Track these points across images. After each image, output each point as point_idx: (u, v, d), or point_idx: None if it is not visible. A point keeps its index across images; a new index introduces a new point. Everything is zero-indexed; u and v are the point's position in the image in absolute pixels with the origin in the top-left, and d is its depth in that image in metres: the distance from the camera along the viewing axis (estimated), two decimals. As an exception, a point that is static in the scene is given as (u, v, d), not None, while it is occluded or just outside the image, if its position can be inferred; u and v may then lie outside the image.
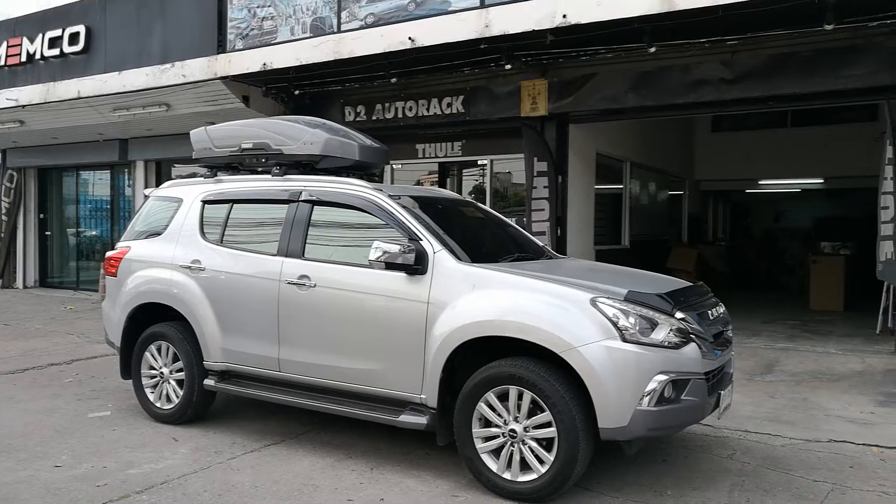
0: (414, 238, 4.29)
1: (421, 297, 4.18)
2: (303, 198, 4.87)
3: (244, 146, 5.40)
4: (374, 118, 9.65)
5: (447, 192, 5.73)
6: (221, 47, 9.63)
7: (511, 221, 5.88)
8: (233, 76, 9.43)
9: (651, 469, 4.32)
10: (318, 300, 4.58)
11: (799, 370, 6.66)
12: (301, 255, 4.74)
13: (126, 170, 13.87)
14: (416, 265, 4.18)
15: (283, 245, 4.83)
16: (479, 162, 10.07)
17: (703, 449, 4.70)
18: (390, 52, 8.02)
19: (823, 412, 5.49)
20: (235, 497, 3.93)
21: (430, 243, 4.26)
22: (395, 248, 4.14)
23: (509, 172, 10.02)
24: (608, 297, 3.74)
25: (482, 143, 9.71)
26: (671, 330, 3.72)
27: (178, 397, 5.27)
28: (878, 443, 4.82)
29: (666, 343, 3.69)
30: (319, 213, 4.82)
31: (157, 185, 13.10)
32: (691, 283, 4.34)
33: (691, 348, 3.77)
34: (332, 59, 8.43)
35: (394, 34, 7.90)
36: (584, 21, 6.76)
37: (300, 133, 5.22)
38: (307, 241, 4.77)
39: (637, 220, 11.89)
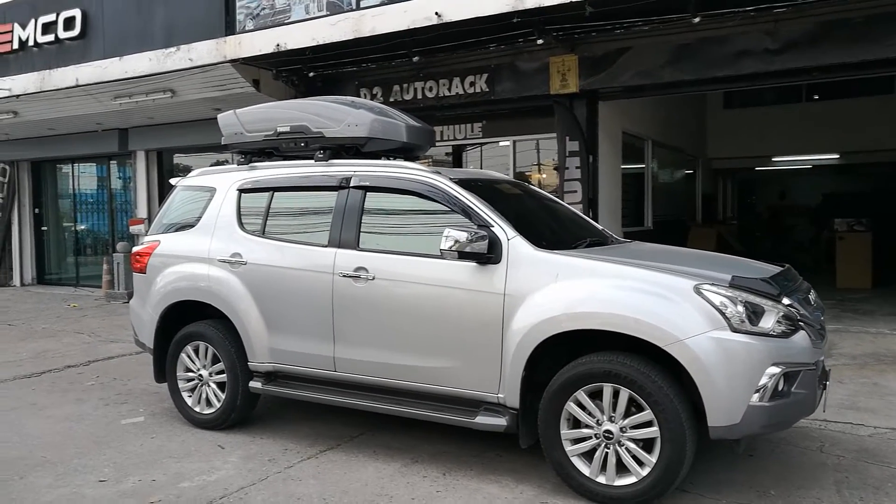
0: (484, 225, 3.95)
1: (496, 289, 3.84)
2: (353, 184, 4.51)
3: (280, 129, 5.01)
4: (391, 100, 9.23)
5: (497, 174, 5.37)
6: (230, 28, 9.16)
7: (566, 204, 5.55)
8: (243, 59, 8.98)
9: (741, 466, 4.04)
10: (377, 294, 4.23)
11: (858, 352, 6.41)
12: (356, 245, 4.38)
13: (126, 161, 13.40)
14: (489, 254, 3.84)
15: (334, 235, 4.47)
16: (501, 143, 9.71)
17: (787, 442, 4.42)
18: (415, 28, 7.61)
19: (902, 397, 5.23)
20: (305, 511, 3.61)
21: (502, 230, 3.92)
22: (466, 235, 3.79)
23: (536, 153, 9.67)
24: (713, 284, 3.43)
25: (505, 124, 9.35)
26: (780, 317, 3.41)
27: (219, 401, 4.93)
28: (971, 429, 4.57)
29: (775, 332, 3.38)
30: (373, 200, 4.46)
31: (160, 175, 12.82)
32: (783, 267, 4.04)
33: (801, 336, 3.47)
34: (351, 37, 8.01)
35: (419, 9, 7.50)
36: (623, -9, 6.40)
37: (343, 114, 4.84)
38: (361, 230, 4.41)
39: (657, 201, 11.60)
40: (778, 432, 3.94)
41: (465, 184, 4.27)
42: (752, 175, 19.20)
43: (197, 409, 5.03)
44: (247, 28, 8.88)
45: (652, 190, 11.25)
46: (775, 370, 3.30)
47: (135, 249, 5.51)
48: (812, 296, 3.96)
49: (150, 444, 4.72)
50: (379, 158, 4.88)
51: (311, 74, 9.22)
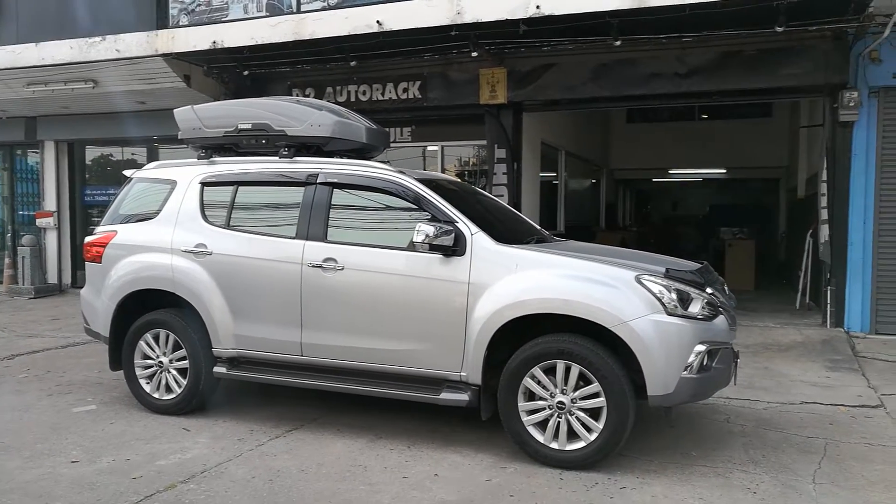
0: (449, 221, 4.38)
1: (459, 278, 4.28)
2: (320, 180, 4.82)
3: (242, 127, 5.24)
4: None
5: (447, 176, 5.82)
6: (162, 22, 9.10)
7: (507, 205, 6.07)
8: (176, 53, 8.96)
9: (665, 435, 4.67)
10: (346, 283, 4.57)
11: (751, 342, 7.31)
12: (324, 237, 4.70)
13: (27, 150, 12.81)
14: (455, 247, 4.28)
15: (302, 228, 4.76)
16: (430, 148, 10.17)
17: (700, 415, 5.12)
18: (355, 34, 7.93)
19: (787, 378, 6.09)
20: (289, 481, 3.89)
21: (465, 225, 4.36)
22: (433, 230, 4.21)
23: (461, 159, 10.19)
24: (651, 275, 4.02)
25: (434, 130, 9.81)
26: (704, 303, 4.05)
27: (180, 387, 5.08)
28: (843, 402, 5.44)
29: (701, 315, 4.01)
30: (340, 196, 4.79)
31: (70, 166, 12.38)
32: (701, 264, 4.71)
33: (720, 320, 4.13)
34: (290, 39, 8.21)
35: (360, 17, 7.83)
36: (557, 12, 7.03)
37: (306, 115, 5.14)
38: (329, 223, 4.73)
39: (568, 207, 12.42)
40: (698, 402, 4.57)
41: (427, 183, 4.69)
42: (648, 186, 20.69)
43: (156, 395, 5.15)
44: (181, 23, 8.87)
45: (564, 197, 12.04)
46: (702, 348, 3.92)
47: (88, 239, 5.54)
48: (725, 288, 4.65)
49: (112, 429, 4.81)
50: (336, 157, 5.20)
51: (246, 73, 9.30)
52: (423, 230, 4.21)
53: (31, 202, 13.15)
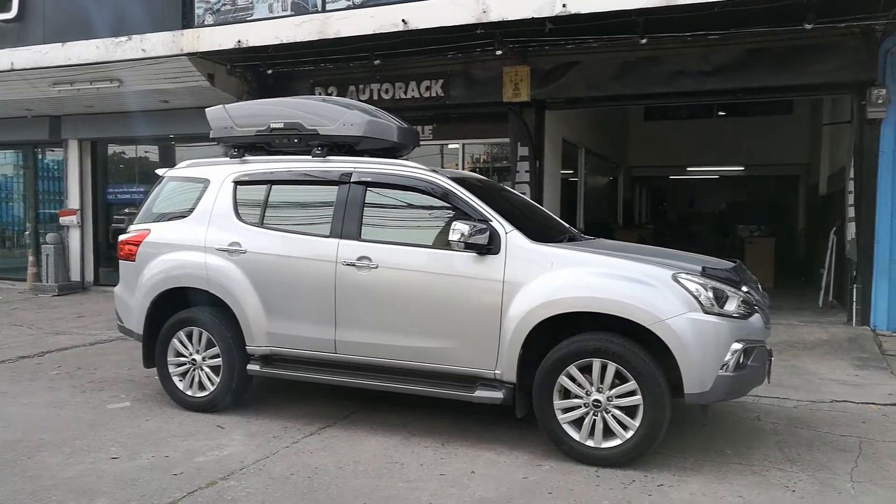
0: (483, 220, 4.40)
1: (494, 277, 4.30)
2: (354, 179, 4.85)
3: (274, 126, 5.28)
4: (346, 100, 9.51)
5: (479, 175, 5.83)
6: (187, 21, 9.19)
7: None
8: (202, 53, 9.03)
9: (698, 433, 4.67)
10: (380, 281, 4.60)
11: (776, 340, 7.24)
12: (358, 236, 4.73)
13: (47, 149, 12.94)
14: (489, 245, 4.30)
15: (336, 227, 4.80)
16: (450, 146, 10.19)
17: (731, 413, 5.11)
18: (380, 33, 7.96)
19: (816, 377, 6.08)
20: (327, 478, 3.93)
21: (500, 224, 4.38)
22: (468, 228, 4.24)
23: (479, 157, 10.21)
24: (687, 273, 4.03)
25: (455, 128, 9.83)
26: (740, 301, 4.05)
27: (213, 384, 5.13)
28: (874, 401, 5.42)
29: (737, 314, 4.02)
30: (374, 195, 4.83)
31: (94, 164, 12.50)
32: (735, 262, 4.71)
33: (756, 318, 4.13)
34: (315, 38, 8.25)
35: (385, 15, 7.85)
36: (583, 11, 7.02)
37: (338, 114, 5.17)
38: (363, 222, 4.76)
39: (587, 204, 12.41)
40: (733, 400, 4.57)
41: (460, 182, 4.71)
42: (665, 183, 20.59)
43: (189, 392, 5.21)
44: (206, 22, 8.94)
45: (584, 194, 12.03)
46: (738, 346, 3.93)
47: (122, 237, 5.60)
48: (759, 286, 4.65)
49: (148, 426, 4.87)
50: (368, 156, 5.23)
51: (270, 72, 9.36)
52: (459, 229, 4.24)
53: (52, 200, 13.28)
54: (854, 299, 7.67)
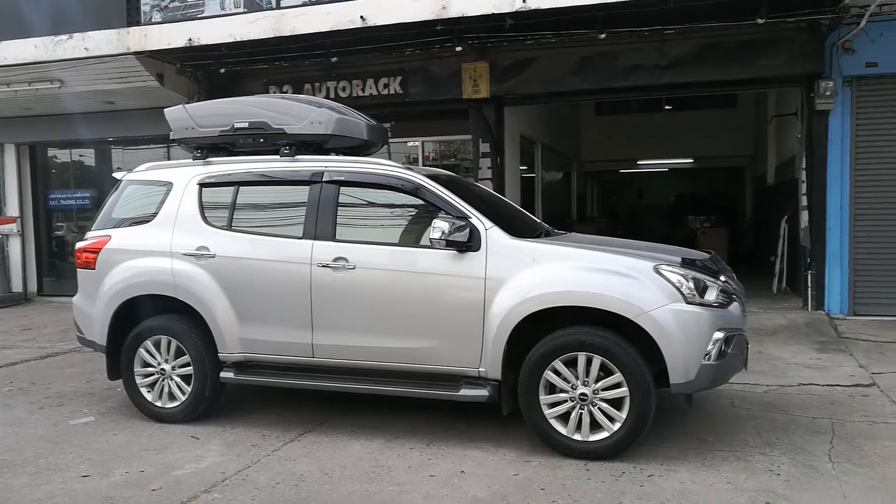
0: (462, 216, 4.35)
1: (475, 274, 4.27)
2: (326, 179, 4.74)
3: (238, 125, 5.12)
4: (302, 99, 9.33)
5: (451, 173, 5.78)
6: (131, 18, 8.83)
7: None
8: (150, 51, 8.71)
9: (678, 422, 4.74)
10: (358, 282, 4.51)
11: (738, 328, 7.47)
12: (332, 237, 4.63)
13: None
14: (469, 242, 4.26)
15: (309, 228, 4.68)
16: (410, 143, 10.11)
17: (706, 401, 5.20)
18: (337, 30, 7.82)
19: (782, 362, 6.25)
20: (315, 486, 3.83)
21: (479, 221, 4.35)
22: (448, 226, 4.19)
23: (440, 153, 10.16)
24: (668, 264, 4.07)
25: (414, 125, 9.75)
26: (719, 291, 4.12)
27: (184, 394, 4.95)
28: (838, 383, 5.61)
29: (717, 303, 4.08)
30: (348, 195, 4.73)
31: (33, 170, 11.96)
32: (709, 253, 4.79)
33: (734, 307, 4.21)
34: (270, 36, 8.06)
35: (342, 12, 7.72)
36: (543, 6, 7.04)
37: (305, 112, 5.05)
38: (337, 222, 4.66)
39: (544, 200, 12.51)
40: (715, 388, 4.64)
41: (435, 179, 4.66)
42: (614, 177, 20.96)
43: (158, 403, 5.01)
44: (154, 20, 8.62)
45: (541, 190, 12.12)
46: (720, 335, 3.99)
47: (79, 245, 5.34)
48: (734, 275, 4.74)
49: (117, 441, 4.67)
50: (336, 155, 5.12)
51: (223, 70, 9.10)
52: (439, 226, 4.18)
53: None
54: (809, 285, 7.92)
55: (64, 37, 9.06)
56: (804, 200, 7.91)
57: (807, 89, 7.85)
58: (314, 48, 8.52)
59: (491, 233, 4.32)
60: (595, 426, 4.07)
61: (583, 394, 4.07)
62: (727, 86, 8.35)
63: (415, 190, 4.55)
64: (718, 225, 16.39)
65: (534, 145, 11.77)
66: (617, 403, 4.03)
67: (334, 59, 8.66)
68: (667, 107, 16.40)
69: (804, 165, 7.90)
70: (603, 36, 7.60)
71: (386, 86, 9.12)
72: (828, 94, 7.57)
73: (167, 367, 4.99)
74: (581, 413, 4.09)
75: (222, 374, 4.85)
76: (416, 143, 10.01)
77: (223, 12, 8.29)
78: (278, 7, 8.07)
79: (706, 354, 3.95)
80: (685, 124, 15.72)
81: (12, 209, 11.94)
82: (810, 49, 7.60)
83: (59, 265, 12.20)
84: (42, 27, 9.28)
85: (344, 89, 9.30)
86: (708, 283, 4.10)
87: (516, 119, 9.88)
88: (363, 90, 9.20)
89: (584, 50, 8.24)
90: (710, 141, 15.73)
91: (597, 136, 16.39)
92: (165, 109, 5.44)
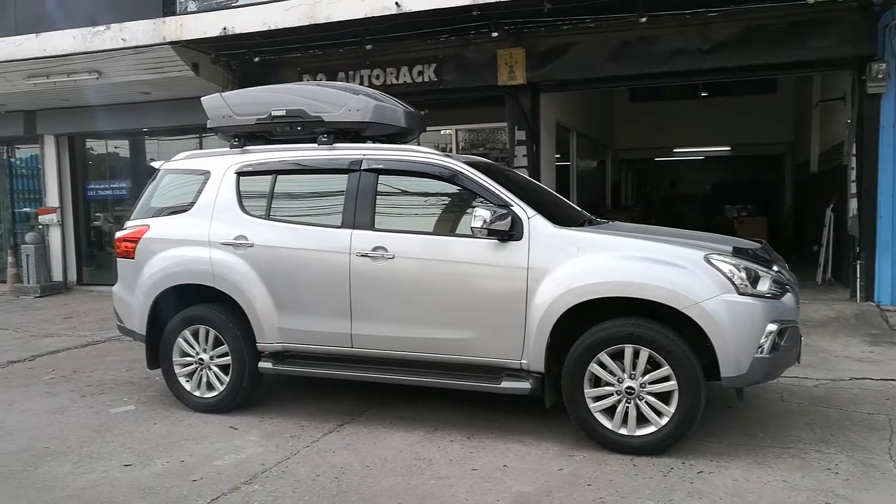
0: (504, 204, 4.25)
1: (518, 263, 4.16)
2: (365, 167, 4.67)
3: (275, 113, 5.07)
4: (336, 87, 9.27)
5: (489, 161, 5.68)
6: (167, 8, 8.87)
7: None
8: (185, 41, 8.72)
9: (726, 416, 4.59)
10: (398, 271, 4.43)
11: (783, 319, 7.25)
12: (371, 226, 4.55)
13: (26, 145, 12.51)
14: (511, 231, 4.15)
15: (348, 217, 4.61)
16: (443, 132, 10.01)
17: (754, 395, 5.03)
18: (372, 17, 7.73)
19: (831, 355, 6.05)
20: (355, 478, 3.78)
21: (521, 209, 4.24)
22: (489, 214, 4.09)
23: (471, 141, 10.04)
24: (719, 254, 3.92)
25: (448, 113, 9.62)
26: (772, 281, 3.95)
27: (222, 384, 4.94)
28: (893, 377, 5.39)
29: (769, 294, 3.92)
30: (387, 183, 4.65)
31: (72, 160, 12.11)
32: (761, 241, 4.61)
33: (788, 297, 4.04)
34: (305, 24, 8.01)
35: (377, -2, 7.63)
36: (584, -11, 6.87)
37: (343, 99, 4.98)
38: (376, 211, 4.58)
39: (579, 188, 12.31)
40: (769, 381, 4.48)
41: (475, 166, 4.55)
42: (648, 165, 20.58)
43: (197, 393, 5.01)
44: (189, 9, 8.64)
45: (576, 178, 11.93)
46: (773, 327, 3.83)
47: (119, 234, 5.36)
48: (786, 265, 4.56)
49: (157, 430, 4.67)
50: (375, 142, 5.04)
51: (257, 59, 9.07)
52: (481, 215, 4.08)
53: (29, 199, 12.86)
54: (857, 276, 7.65)
55: (101, 28, 9.11)
56: (853, 188, 7.63)
57: (858, 72, 7.54)
58: (348, 35, 8.43)
59: (534, 221, 4.20)
60: (642, 420, 3.95)
61: (629, 387, 3.94)
62: (773, 70, 8.09)
63: (454, 178, 4.45)
64: (756, 214, 16.05)
65: (569, 133, 11.57)
66: (665, 397, 3.91)
67: (368, 47, 8.57)
68: (703, 93, 16.03)
69: (854, 152, 7.60)
70: (644, 20, 7.40)
71: (420, 73, 9.02)
72: (880, 76, 7.27)
73: (205, 356, 4.98)
74: (627, 407, 3.97)
75: (260, 364, 4.83)
76: (450, 132, 9.89)
77: (258, 0, 8.24)
78: (312, -6, 7.99)
79: (759, 347, 3.80)
80: (722, 111, 15.35)
81: (52, 199, 12.13)
82: (862, 30, 7.30)
83: (97, 255, 12.38)
84: (80, 18, 9.37)
85: (378, 77, 9.22)
86: (760, 273, 3.94)
87: (552, 106, 9.70)
88: (397, 78, 9.11)
89: (623, 34, 8.03)
90: (749, 127, 15.32)
91: (631, 123, 16.09)
92: (202, 98, 5.42)
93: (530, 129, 8.72)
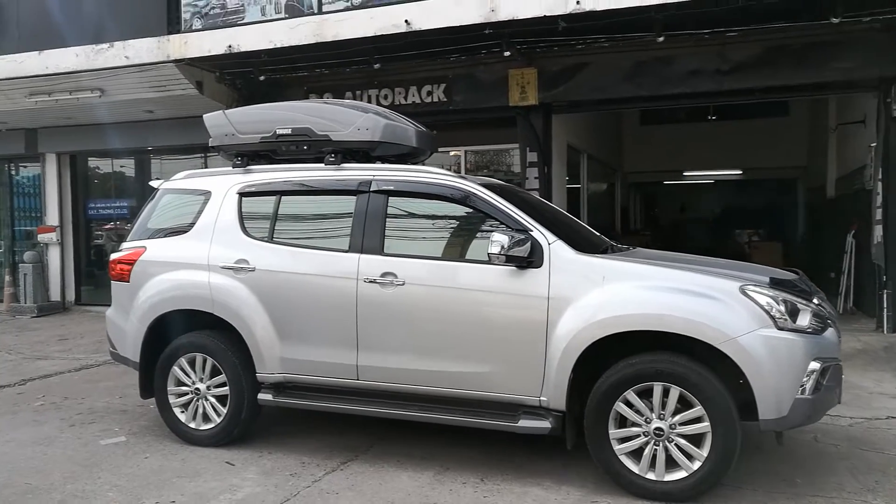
0: (522, 229, 3.98)
1: (537, 292, 3.88)
2: (374, 188, 4.41)
3: (280, 132, 4.83)
4: (343, 107, 9.07)
5: (502, 182, 5.42)
6: (173, 26, 8.70)
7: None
8: (189, 59, 8.54)
9: (756, 458, 4.28)
10: (408, 299, 4.16)
11: (808, 351, 6.93)
12: (380, 250, 4.29)
13: (27, 164, 12.33)
14: (530, 258, 3.88)
15: (356, 240, 4.35)
16: (452, 153, 9.79)
17: (786, 435, 4.66)
18: (381, 35, 7.54)
19: (864, 391, 5.72)
20: (361, 525, 3.47)
21: (542, 234, 3.97)
22: (507, 239, 3.82)
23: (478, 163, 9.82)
24: (756, 285, 3.64)
25: (457, 134, 9.41)
26: (812, 315, 3.66)
27: (219, 416, 4.65)
28: (932, 416, 5.07)
29: (810, 329, 3.63)
30: (397, 205, 4.39)
31: (73, 179, 11.92)
32: (796, 272, 4.33)
33: (830, 332, 3.74)
34: (311, 42, 7.83)
35: (386, 16, 7.45)
36: (599, 8, 6.67)
37: (352, 118, 4.74)
38: (385, 235, 4.32)
39: (589, 212, 12.06)
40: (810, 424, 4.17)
41: (490, 188, 4.30)
42: (656, 189, 20.32)
43: (192, 425, 4.72)
44: (194, 27, 8.47)
45: (586, 201, 11.68)
46: (816, 365, 3.53)
47: (114, 256, 5.10)
48: (825, 298, 4.26)
49: (148, 465, 4.37)
50: (384, 163, 4.80)
51: (262, 78, 8.89)
52: (498, 240, 3.81)
53: (28, 217, 12.65)
54: (885, 305, 7.35)
55: (105, 45, 8.98)
56: (879, 214, 7.35)
57: (883, 94, 7.31)
58: (356, 54, 8.24)
59: (555, 247, 3.93)
60: (672, 464, 3.65)
61: (658, 428, 3.64)
62: (792, 91, 7.86)
63: (469, 200, 4.19)
64: (769, 239, 15.74)
65: (579, 155, 11.35)
66: (697, 440, 3.60)
67: (377, 66, 8.38)
68: (712, 117, 15.79)
69: (879, 176, 7.34)
70: (661, 39, 7.19)
71: (429, 93, 8.83)
72: (906, 99, 7.04)
73: (202, 386, 4.69)
74: (656, 449, 3.66)
75: (260, 396, 4.54)
76: (459, 153, 9.67)
77: (263, 18, 8.08)
78: (320, 12, 7.82)
79: (801, 387, 3.50)
80: (734, 134, 15.10)
81: (52, 218, 11.91)
82: (887, 51, 7.07)
83: (97, 274, 12.13)
84: (84, 36, 9.21)
85: (386, 97, 9.03)
86: (800, 306, 3.65)
87: (563, 127, 9.48)
88: (405, 98, 8.92)
89: (639, 55, 7.83)
90: (760, 151, 15.07)
91: (641, 146, 15.86)
92: (205, 115, 5.19)
93: (542, 151, 8.49)
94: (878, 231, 7.38)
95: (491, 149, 9.62)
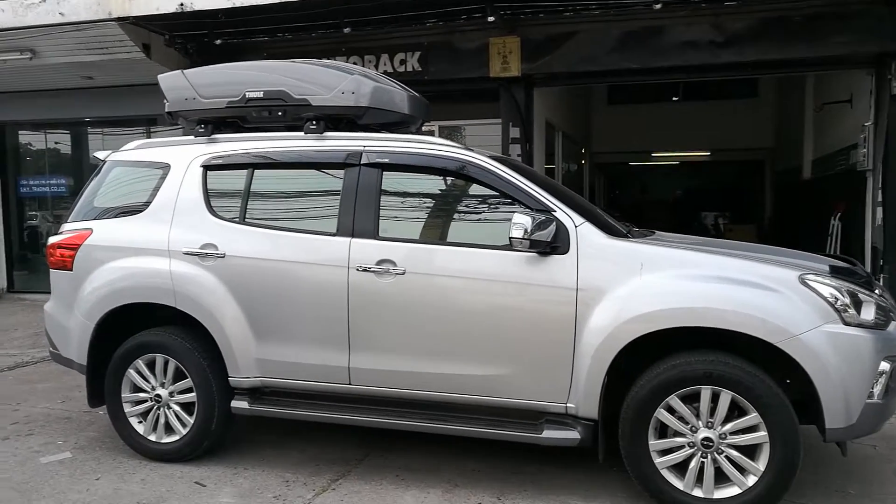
0: (544, 209, 3.44)
1: (563, 283, 3.35)
2: (365, 161, 3.79)
3: (251, 95, 4.14)
4: (307, 76, 8.33)
5: (512, 158, 4.86)
6: (116, -20, 7.77)
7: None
8: (135, 18, 7.65)
9: (804, 467, 3.81)
10: (409, 291, 3.57)
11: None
12: (375, 234, 3.68)
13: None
14: (555, 243, 3.35)
15: (345, 222, 3.73)
16: (425, 128, 9.13)
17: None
18: (353, -6, 6.84)
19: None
20: (367, 563, 2.90)
21: (566, 215, 3.44)
22: (529, 221, 3.27)
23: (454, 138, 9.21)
24: (817, 274, 3.18)
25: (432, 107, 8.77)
26: (876, 307, 3.24)
27: (185, 427, 3.99)
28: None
29: (875, 323, 3.20)
30: (393, 181, 3.78)
31: (2, 153, 10.80)
32: (850, 259, 3.90)
33: (894, 327, 3.32)
34: (276, 1, 7.06)
35: (360, -26, 6.74)
36: (594, -32, 6.12)
37: (335, 80, 4.07)
38: (381, 216, 3.71)
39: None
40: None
41: (505, 163, 3.73)
42: (619, 169, 20.08)
43: (152, 437, 4.05)
44: (141, -19, 7.56)
45: (561, 181, 11.22)
46: (887, 365, 3.11)
47: (53, 239, 4.34)
48: (883, 286, 3.86)
49: (100, 488, 3.69)
50: (371, 131, 4.17)
51: (218, 42, 8.06)
52: (520, 222, 3.26)
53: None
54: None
55: (36, 0, 7.97)
56: (879, 195, 7.07)
57: (879, 71, 7.00)
58: (323, 16, 7.51)
59: (582, 230, 3.40)
60: (722, 479, 3.18)
61: (706, 438, 3.17)
62: (790, 66, 7.47)
63: (479, 175, 3.62)
64: (736, 221, 15.68)
65: (555, 132, 10.84)
66: (751, 451, 3.15)
67: (347, 30, 7.65)
68: (674, 98, 15.49)
69: (875, 156, 7.04)
70: (658, 6, 6.69)
71: (402, 62, 8.15)
72: (907, 75, 6.74)
73: (163, 392, 4.02)
74: (703, 462, 3.20)
75: (234, 404, 3.90)
76: (432, 127, 9.03)
77: (221, -27, 7.25)
78: (285, -32, 7.05)
79: (872, 389, 3.07)
80: (702, 114, 14.84)
81: (-23, 197, 10.81)
82: (888, 25, 6.74)
83: (31, 258, 11.08)
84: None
85: (355, 65, 8.28)
86: (863, 297, 3.22)
87: (543, 102, 8.94)
88: (376, 66, 8.20)
89: (629, 24, 7.32)
90: (726, 133, 14.86)
91: (608, 125, 15.47)
92: (160, 76, 4.44)
93: (524, 127, 7.94)
94: (879, 213, 7.11)
95: (466, 123, 9.00)
